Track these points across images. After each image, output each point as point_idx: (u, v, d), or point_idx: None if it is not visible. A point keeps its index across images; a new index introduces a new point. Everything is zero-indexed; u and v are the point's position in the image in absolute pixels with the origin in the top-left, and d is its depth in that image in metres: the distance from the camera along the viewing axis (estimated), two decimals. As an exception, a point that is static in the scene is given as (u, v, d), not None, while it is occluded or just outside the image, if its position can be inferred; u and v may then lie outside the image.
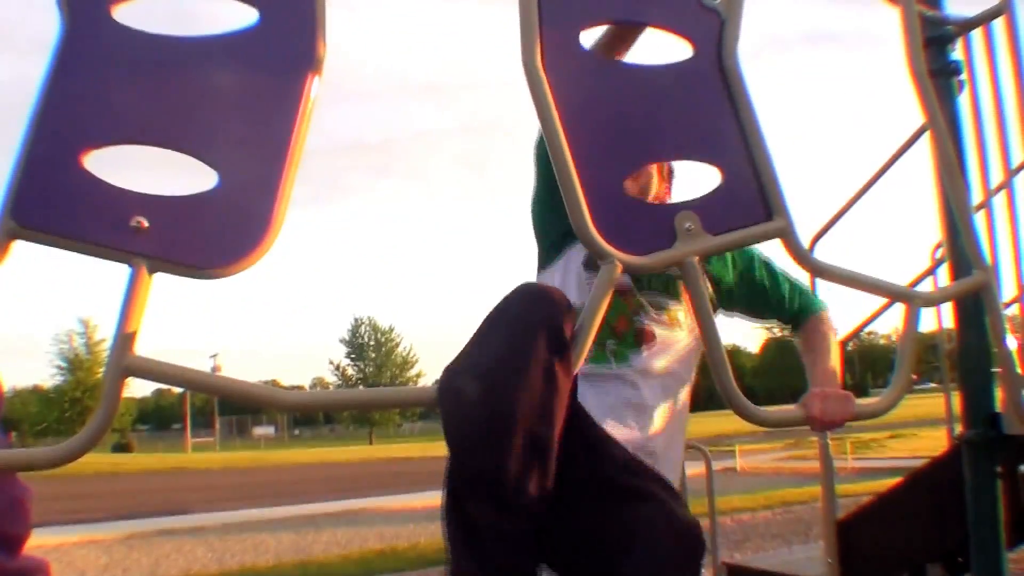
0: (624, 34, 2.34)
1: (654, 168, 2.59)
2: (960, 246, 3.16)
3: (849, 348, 5.13)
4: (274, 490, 21.98)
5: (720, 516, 7.23)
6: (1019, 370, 2.49)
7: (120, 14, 1.47)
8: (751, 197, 1.74)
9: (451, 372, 1.67)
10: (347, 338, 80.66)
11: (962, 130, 3.64)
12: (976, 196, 3.64)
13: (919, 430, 25.98)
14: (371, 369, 77.94)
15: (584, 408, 1.91)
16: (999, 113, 3.71)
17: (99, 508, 17.79)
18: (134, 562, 10.79)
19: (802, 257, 1.81)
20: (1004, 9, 3.24)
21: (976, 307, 3.34)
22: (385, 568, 9.32)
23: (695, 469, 5.79)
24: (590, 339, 1.58)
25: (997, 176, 3.72)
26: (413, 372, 78.89)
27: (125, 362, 1.31)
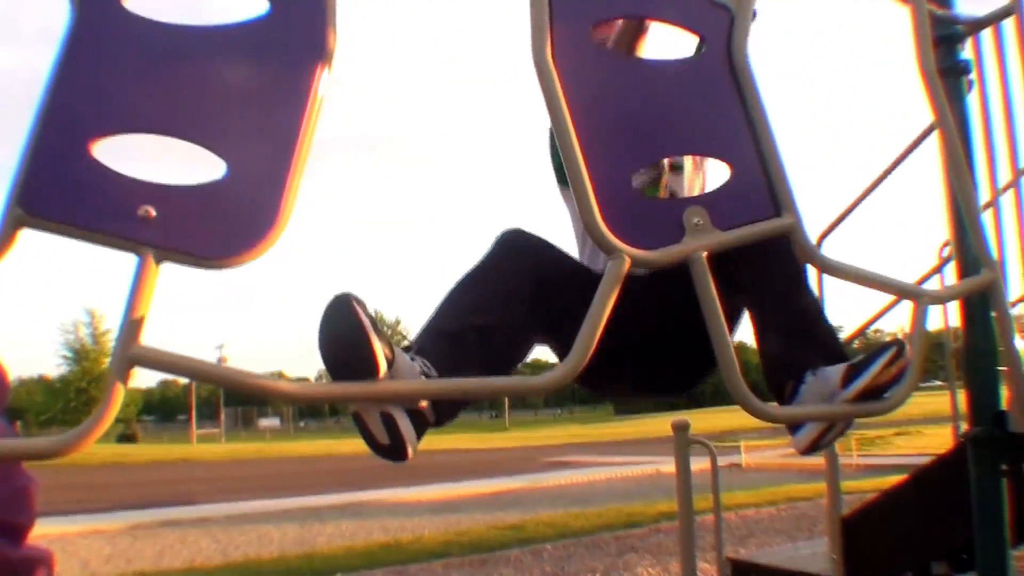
0: (636, 31, 2.49)
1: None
2: (968, 244, 3.16)
3: (855, 345, 5.12)
4: (279, 482, 22.05)
5: (725, 512, 7.24)
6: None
7: (130, 2, 1.47)
8: (760, 193, 1.74)
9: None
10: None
11: (971, 129, 3.62)
12: (984, 195, 3.63)
13: (924, 428, 25.98)
14: (377, 362, 77.91)
15: None
16: (1008, 112, 3.70)
17: (103, 498, 17.85)
18: (138, 552, 10.81)
19: (810, 254, 1.81)
20: (1014, 9, 3.23)
21: (983, 305, 3.33)
22: (389, 560, 9.33)
23: (700, 464, 5.81)
24: (597, 333, 1.58)
25: (1005, 175, 3.72)
26: (418, 366, 78.89)
27: (131, 352, 1.31)
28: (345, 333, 1.68)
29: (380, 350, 1.71)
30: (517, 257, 2.45)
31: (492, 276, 2.40)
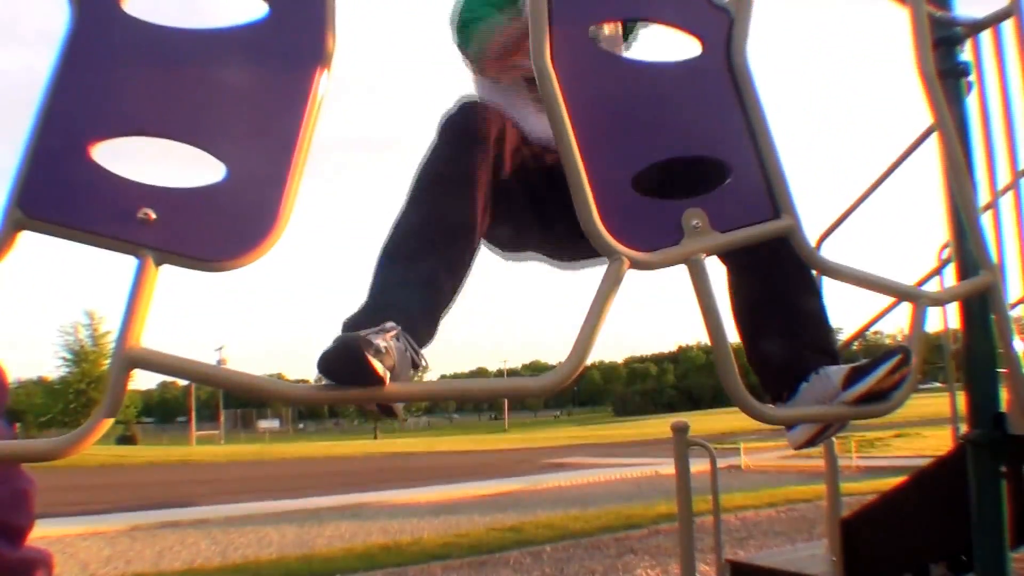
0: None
1: None
2: (967, 247, 3.16)
3: (855, 347, 5.13)
4: (278, 483, 22.04)
5: (724, 513, 7.23)
6: (1025, 371, 2.48)
7: (130, 5, 1.47)
8: (759, 195, 1.74)
9: None
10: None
11: (970, 131, 3.62)
12: (983, 197, 3.63)
13: (924, 429, 25.97)
14: (377, 363, 77.88)
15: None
16: (1007, 114, 3.70)
17: (103, 500, 17.84)
18: (137, 554, 10.80)
19: (809, 255, 1.81)
20: (1014, 11, 3.22)
21: (982, 307, 3.33)
22: (388, 562, 9.32)
23: (700, 466, 5.81)
24: (595, 336, 1.58)
25: (1004, 177, 3.72)
26: (418, 367, 78.91)
27: (130, 354, 1.31)
28: (350, 366, 1.66)
29: (383, 370, 1.69)
30: (473, 156, 2.34)
31: (453, 195, 2.32)
